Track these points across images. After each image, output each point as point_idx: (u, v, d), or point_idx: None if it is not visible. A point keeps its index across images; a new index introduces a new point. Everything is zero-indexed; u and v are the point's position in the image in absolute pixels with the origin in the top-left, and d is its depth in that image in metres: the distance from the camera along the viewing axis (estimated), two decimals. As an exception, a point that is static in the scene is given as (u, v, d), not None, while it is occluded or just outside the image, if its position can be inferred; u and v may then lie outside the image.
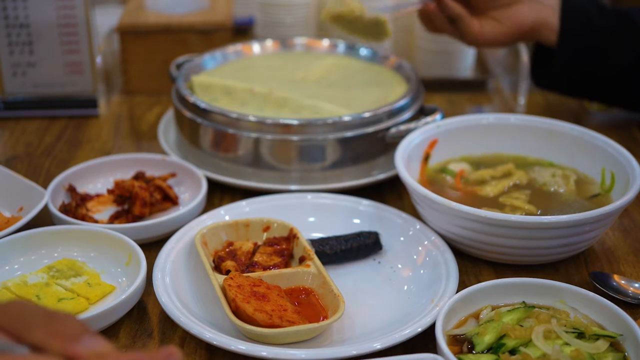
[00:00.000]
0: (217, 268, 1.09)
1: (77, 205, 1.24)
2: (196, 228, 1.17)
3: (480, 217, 1.07)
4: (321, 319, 1.00)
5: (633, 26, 1.42)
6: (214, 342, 0.95)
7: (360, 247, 1.15)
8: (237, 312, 0.97)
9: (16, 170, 1.32)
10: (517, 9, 1.43)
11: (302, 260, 1.10)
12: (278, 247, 1.13)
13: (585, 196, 1.23)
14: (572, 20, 1.43)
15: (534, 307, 0.97)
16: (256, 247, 1.13)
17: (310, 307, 1.03)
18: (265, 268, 1.08)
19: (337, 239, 1.15)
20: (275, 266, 1.09)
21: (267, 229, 1.17)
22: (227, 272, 1.07)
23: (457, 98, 1.72)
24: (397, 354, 0.91)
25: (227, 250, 1.12)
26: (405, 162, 1.21)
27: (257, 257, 1.10)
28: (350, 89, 1.47)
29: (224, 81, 1.45)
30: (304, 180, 1.31)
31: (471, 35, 1.44)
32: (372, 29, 1.45)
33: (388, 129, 1.32)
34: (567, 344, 0.91)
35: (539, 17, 1.43)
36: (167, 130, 1.48)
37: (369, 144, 1.32)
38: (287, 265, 1.11)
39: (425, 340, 0.99)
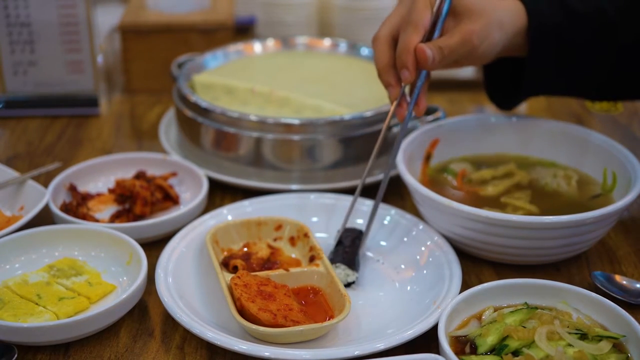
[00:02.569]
0: (225, 265, 1.09)
1: (78, 205, 1.24)
2: (200, 227, 1.16)
3: (481, 217, 1.07)
4: (327, 318, 1.00)
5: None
6: (216, 342, 0.95)
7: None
8: (242, 312, 0.97)
9: (17, 169, 1.32)
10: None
11: (312, 259, 1.10)
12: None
13: (587, 196, 1.23)
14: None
15: (536, 308, 0.97)
16: (272, 253, 1.14)
17: (318, 306, 1.03)
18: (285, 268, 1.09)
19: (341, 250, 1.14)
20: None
21: (279, 227, 1.16)
22: (234, 267, 1.07)
23: (458, 98, 1.71)
24: (400, 355, 0.91)
25: (242, 251, 1.13)
26: (406, 162, 1.20)
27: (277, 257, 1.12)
28: (352, 88, 1.46)
29: (225, 80, 1.44)
30: (305, 180, 1.31)
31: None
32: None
33: (389, 128, 1.32)
34: (570, 345, 0.91)
35: None
36: (168, 129, 1.48)
37: (370, 144, 1.32)
38: (298, 264, 1.11)
39: (427, 341, 0.98)
